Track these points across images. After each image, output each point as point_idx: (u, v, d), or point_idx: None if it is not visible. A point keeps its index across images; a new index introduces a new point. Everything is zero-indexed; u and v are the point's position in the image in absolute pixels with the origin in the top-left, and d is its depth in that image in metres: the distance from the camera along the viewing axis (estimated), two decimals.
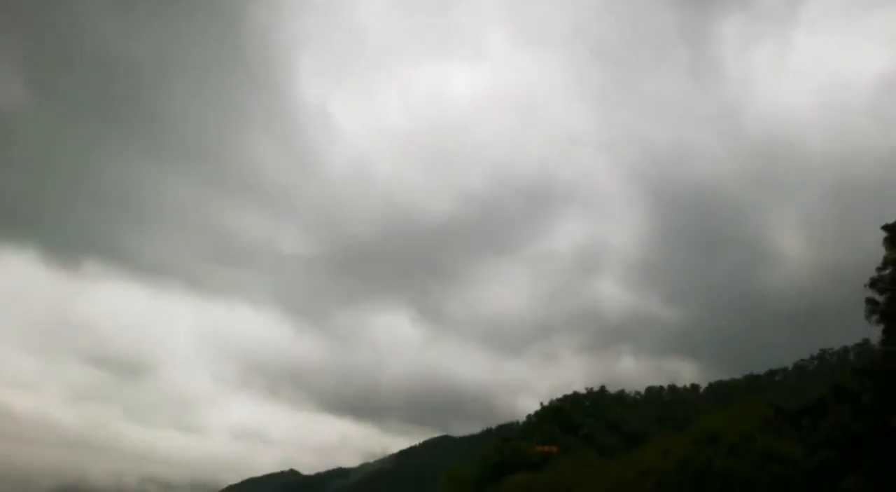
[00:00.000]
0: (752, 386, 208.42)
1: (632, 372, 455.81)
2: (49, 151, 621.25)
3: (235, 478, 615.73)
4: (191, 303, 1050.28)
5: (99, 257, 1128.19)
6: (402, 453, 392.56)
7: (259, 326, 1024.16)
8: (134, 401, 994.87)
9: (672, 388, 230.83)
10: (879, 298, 56.10)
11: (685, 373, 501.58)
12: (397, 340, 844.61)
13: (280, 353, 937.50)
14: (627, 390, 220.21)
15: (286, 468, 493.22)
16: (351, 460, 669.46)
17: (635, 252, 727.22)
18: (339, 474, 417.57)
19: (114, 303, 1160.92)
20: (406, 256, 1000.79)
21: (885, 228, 55.66)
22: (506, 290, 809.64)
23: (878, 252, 56.29)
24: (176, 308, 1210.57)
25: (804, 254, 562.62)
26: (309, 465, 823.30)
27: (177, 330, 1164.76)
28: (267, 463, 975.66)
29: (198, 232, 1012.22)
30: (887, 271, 54.87)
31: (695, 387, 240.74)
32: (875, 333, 59.14)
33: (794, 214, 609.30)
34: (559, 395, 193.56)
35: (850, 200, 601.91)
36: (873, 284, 56.56)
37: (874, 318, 56.59)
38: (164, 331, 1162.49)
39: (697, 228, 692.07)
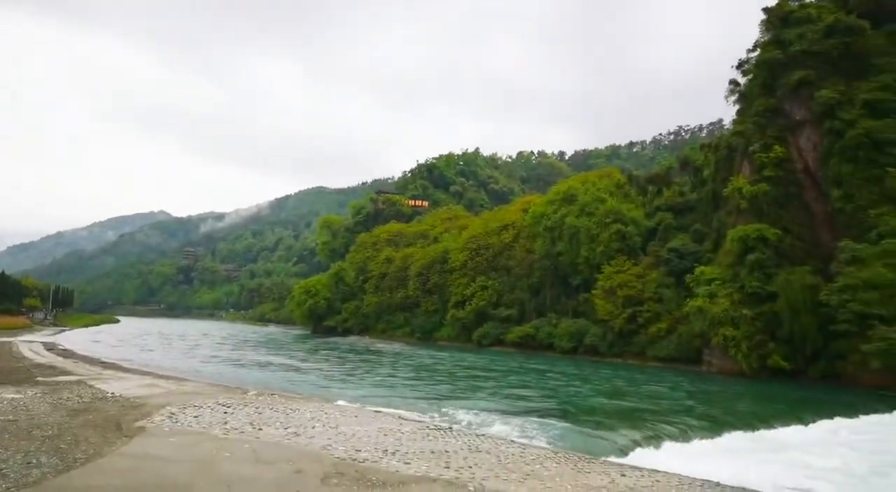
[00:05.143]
0: (612, 155, 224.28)
1: (505, 138, 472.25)
2: None
3: (102, 216, 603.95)
4: (51, 25, 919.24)
5: None
6: (278, 200, 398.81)
7: (127, 56, 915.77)
8: None
9: (541, 153, 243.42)
10: (742, 79, 58.98)
11: (556, 140, 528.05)
12: (275, 87, 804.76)
13: (152, 88, 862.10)
14: (499, 154, 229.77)
15: (156, 209, 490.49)
16: (226, 205, 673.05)
17: (540, 7, 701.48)
18: (214, 216, 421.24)
19: None
20: None
21: (766, 9, 56.29)
22: (395, 38, 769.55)
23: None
24: (32, 33, 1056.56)
25: (694, 30, 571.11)
26: (181, 206, 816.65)
27: (36, 57, 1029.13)
28: (135, 203, 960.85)
29: None
30: (756, 54, 56.82)
31: (561, 153, 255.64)
32: (731, 114, 63.29)
33: None
34: (435, 154, 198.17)
35: None
36: (740, 65, 58.89)
37: (732, 99, 60.11)
38: (17, 57, 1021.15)
39: None
